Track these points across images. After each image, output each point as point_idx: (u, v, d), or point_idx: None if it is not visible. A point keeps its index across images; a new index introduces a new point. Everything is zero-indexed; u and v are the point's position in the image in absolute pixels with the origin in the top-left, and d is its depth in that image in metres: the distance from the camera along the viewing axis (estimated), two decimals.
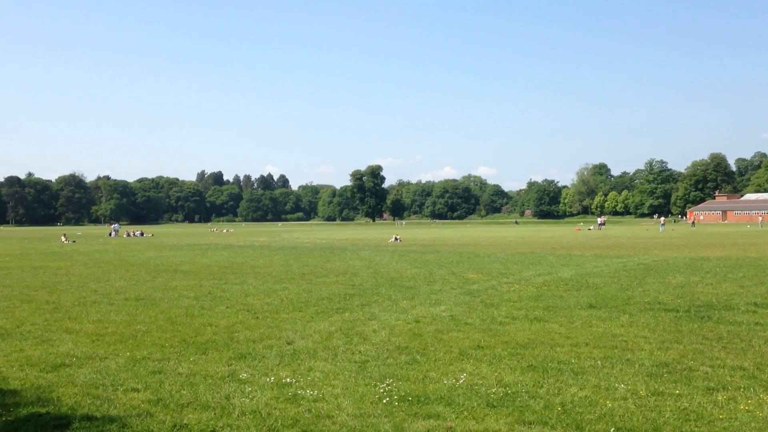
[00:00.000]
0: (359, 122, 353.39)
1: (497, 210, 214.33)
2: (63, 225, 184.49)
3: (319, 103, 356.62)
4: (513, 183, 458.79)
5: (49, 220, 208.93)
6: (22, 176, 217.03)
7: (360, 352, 8.29)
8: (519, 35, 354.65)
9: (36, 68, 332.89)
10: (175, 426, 5.37)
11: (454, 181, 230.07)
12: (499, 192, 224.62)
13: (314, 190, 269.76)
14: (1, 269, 22.12)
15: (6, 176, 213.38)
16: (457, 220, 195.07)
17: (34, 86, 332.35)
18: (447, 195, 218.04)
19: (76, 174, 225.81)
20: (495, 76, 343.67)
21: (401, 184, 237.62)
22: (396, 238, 45.21)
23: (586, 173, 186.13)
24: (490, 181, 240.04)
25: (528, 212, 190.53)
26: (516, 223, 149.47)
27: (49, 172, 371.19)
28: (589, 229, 76.21)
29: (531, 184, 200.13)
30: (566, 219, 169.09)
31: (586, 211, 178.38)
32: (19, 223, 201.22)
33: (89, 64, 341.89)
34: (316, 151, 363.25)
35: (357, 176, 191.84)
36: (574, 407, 5.97)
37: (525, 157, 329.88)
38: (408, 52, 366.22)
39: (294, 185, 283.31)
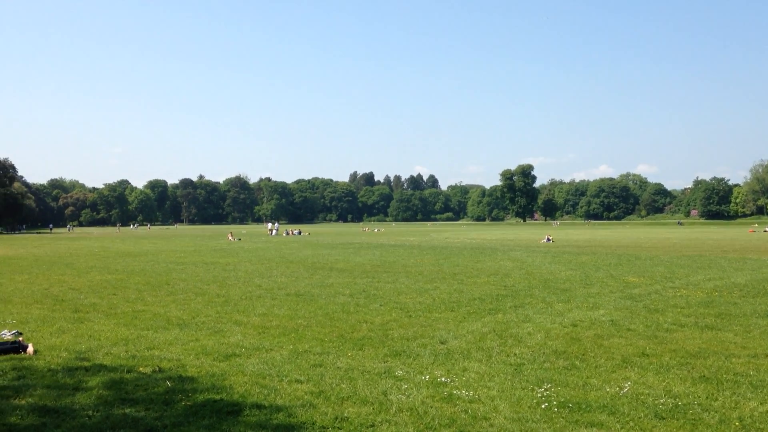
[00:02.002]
0: (509, 121, 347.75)
1: (659, 210, 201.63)
2: (229, 224, 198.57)
3: (468, 103, 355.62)
4: (676, 181, 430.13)
5: (218, 219, 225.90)
6: (195, 178, 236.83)
7: (515, 354, 8.13)
8: (686, 18, 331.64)
9: (205, 78, 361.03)
10: (336, 418, 5.56)
11: (611, 179, 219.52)
12: (660, 191, 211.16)
13: (463, 190, 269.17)
14: (178, 264, 24.16)
15: (180, 179, 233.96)
16: (614, 221, 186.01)
17: (206, 95, 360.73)
18: (603, 194, 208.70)
19: (241, 176, 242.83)
20: (648, 68, 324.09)
21: (553, 184, 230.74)
22: (548, 239, 43.98)
23: (761, 170, 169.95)
24: (651, 180, 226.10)
25: (694, 212, 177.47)
26: (679, 224, 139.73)
27: (218, 174, 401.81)
28: (765, 231, 69.56)
29: (697, 183, 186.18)
30: (738, 220, 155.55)
31: (761, 211, 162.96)
32: (191, 221, 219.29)
33: (252, 74, 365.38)
34: (465, 151, 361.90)
35: (507, 176, 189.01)
36: (754, 423, 5.46)
37: (690, 154, 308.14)
38: (558, 46, 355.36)
39: (443, 185, 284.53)
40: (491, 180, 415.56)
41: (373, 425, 5.44)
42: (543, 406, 5.93)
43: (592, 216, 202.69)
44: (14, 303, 13.20)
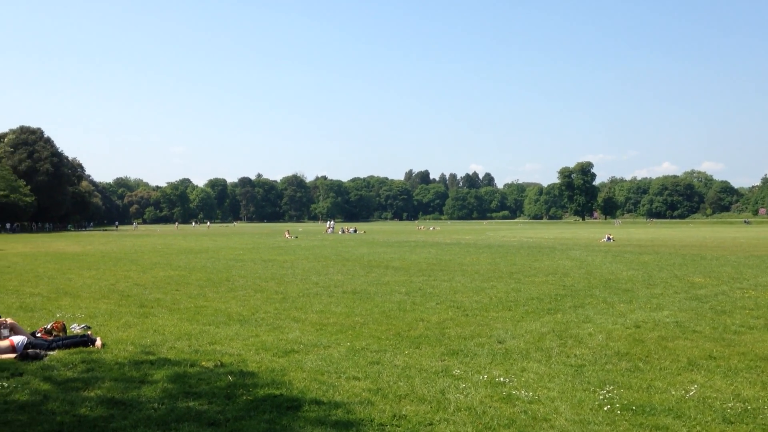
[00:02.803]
0: (568, 119, 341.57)
1: (725, 209, 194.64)
2: (286, 222, 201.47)
3: (525, 101, 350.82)
4: (744, 179, 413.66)
5: (275, 216, 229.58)
6: (253, 177, 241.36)
7: (575, 355, 7.97)
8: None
9: (263, 79, 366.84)
10: (394, 416, 5.56)
11: (674, 177, 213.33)
12: (727, 189, 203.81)
13: (520, 188, 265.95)
14: (237, 261, 24.65)
15: (239, 177, 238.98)
16: (677, 220, 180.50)
17: (263, 96, 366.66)
18: (666, 192, 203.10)
19: (298, 175, 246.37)
20: (713, 62, 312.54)
21: (613, 181, 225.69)
22: (609, 238, 42.99)
23: None
24: (717, 177, 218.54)
25: (762, 211, 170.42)
26: (746, 222, 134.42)
27: (276, 173, 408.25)
28: None
29: (766, 180, 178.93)
30: None
31: None
32: (249, 219, 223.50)
33: (309, 74, 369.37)
34: (522, 148, 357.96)
35: (565, 173, 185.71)
36: None
37: (759, 150, 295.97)
38: (619, 41, 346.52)
39: (499, 183, 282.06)
40: (549, 178, 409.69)
41: (431, 424, 5.42)
42: (605, 409, 5.79)
43: (654, 215, 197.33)
44: (83, 298, 13.71)
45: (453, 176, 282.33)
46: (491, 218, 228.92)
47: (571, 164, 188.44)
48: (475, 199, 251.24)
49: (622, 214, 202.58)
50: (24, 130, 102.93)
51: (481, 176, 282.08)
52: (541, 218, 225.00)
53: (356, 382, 6.70)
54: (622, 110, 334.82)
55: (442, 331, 9.56)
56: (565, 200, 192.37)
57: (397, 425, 5.36)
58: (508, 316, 10.99)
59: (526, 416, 5.63)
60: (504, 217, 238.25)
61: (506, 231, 73.92)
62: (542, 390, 6.43)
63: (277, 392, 6.29)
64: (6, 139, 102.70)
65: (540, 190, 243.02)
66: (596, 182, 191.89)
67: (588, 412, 5.72)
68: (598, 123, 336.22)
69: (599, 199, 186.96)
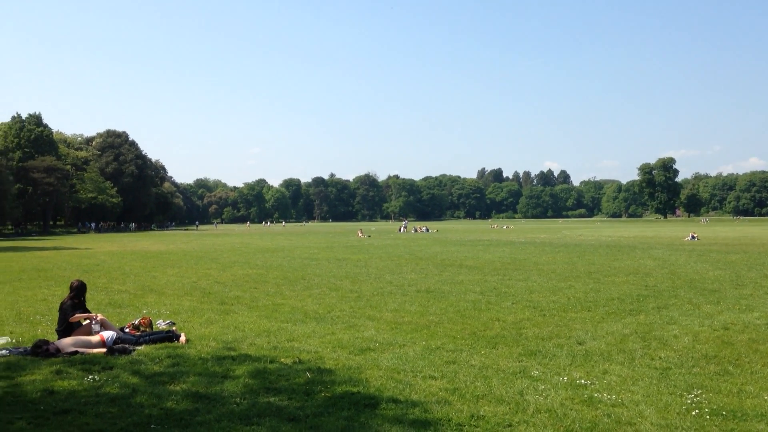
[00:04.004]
0: (647, 113, 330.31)
1: None
2: (359, 221, 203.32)
3: (603, 95, 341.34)
4: None
5: (348, 216, 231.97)
6: (326, 177, 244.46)
7: (660, 358, 7.68)
8: None
9: (335, 80, 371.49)
10: (472, 416, 5.50)
11: (762, 173, 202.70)
12: None
13: (597, 186, 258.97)
14: (312, 260, 25.05)
15: (313, 177, 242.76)
16: (766, 217, 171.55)
17: (336, 97, 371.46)
18: (754, 189, 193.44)
19: (370, 174, 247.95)
20: None
21: (697, 178, 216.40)
22: (693, 236, 41.30)
23: None
24: None
25: None
26: None
27: (348, 172, 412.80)
28: None
29: None
30: None
31: None
32: (323, 218, 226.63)
33: (380, 75, 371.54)
34: (599, 144, 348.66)
35: (646, 170, 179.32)
36: None
37: None
38: (703, 31, 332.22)
39: (575, 181, 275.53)
40: (628, 175, 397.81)
41: (510, 425, 5.33)
42: (693, 413, 5.55)
43: (741, 212, 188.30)
44: (167, 295, 14.24)
45: (527, 174, 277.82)
46: (567, 217, 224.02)
47: (652, 160, 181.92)
48: (550, 197, 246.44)
49: (707, 212, 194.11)
50: (110, 134, 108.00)
51: (556, 174, 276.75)
52: (619, 216, 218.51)
53: (432, 381, 6.68)
54: (705, 104, 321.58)
55: (518, 332, 9.41)
56: (646, 197, 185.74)
57: (475, 425, 5.31)
58: (588, 317, 10.71)
59: (609, 420, 5.47)
60: (580, 216, 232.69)
61: (583, 229, 72.12)
62: (626, 393, 6.23)
63: (355, 389, 6.35)
64: (94, 143, 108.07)
65: (619, 187, 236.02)
66: (679, 178, 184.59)
67: (675, 417, 5.50)
68: (679, 117, 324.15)
69: (682, 197, 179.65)
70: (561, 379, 6.72)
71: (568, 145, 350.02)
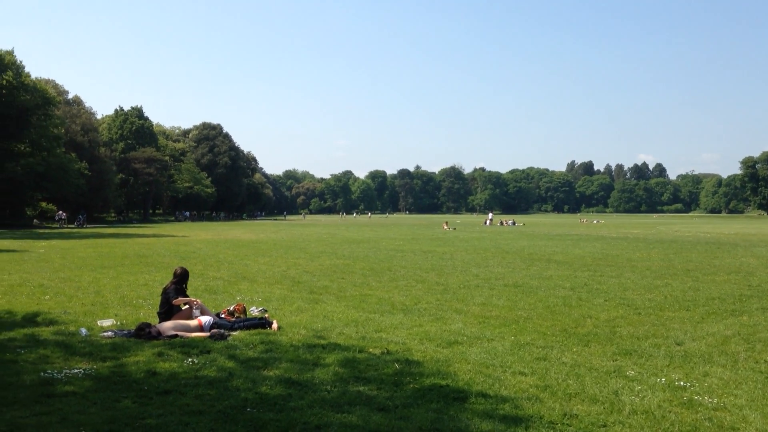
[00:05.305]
0: (750, 103, 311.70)
1: None
2: (444, 213, 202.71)
3: (702, 84, 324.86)
4: None
5: (432, 208, 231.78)
6: (411, 169, 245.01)
7: (766, 361, 7.27)
8: None
9: (420, 72, 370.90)
10: (565, 415, 5.38)
11: None
12: None
13: (695, 180, 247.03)
14: (397, 252, 25.18)
15: (398, 169, 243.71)
16: None
17: (420, 89, 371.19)
18: None
19: (456, 166, 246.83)
20: None
21: None
22: None
23: None
24: None
25: None
26: None
27: (433, 164, 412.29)
28: None
29: None
30: None
31: None
32: (408, 210, 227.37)
33: (465, 67, 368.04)
34: (698, 137, 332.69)
35: (749, 164, 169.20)
36: None
37: None
38: None
39: (671, 174, 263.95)
40: (729, 168, 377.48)
41: (604, 425, 5.18)
42: None
43: None
44: (259, 283, 14.68)
45: (619, 167, 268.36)
46: (662, 212, 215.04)
47: (756, 153, 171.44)
48: (644, 191, 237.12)
49: None
50: (206, 126, 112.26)
51: (651, 167, 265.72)
52: (719, 212, 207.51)
53: (522, 377, 6.58)
54: None
55: (612, 330, 9.12)
56: (748, 193, 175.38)
57: (568, 424, 5.18)
58: (686, 317, 10.25)
59: (711, 424, 5.22)
60: (676, 211, 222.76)
61: (679, 225, 68.98)
62: (728, 397, 5.93)
63: (443, 382, 6.33)
64: (190, 135, 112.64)
65: (719, 181, 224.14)
66: None
67: None
68: None
69: None
70: (658, 380, 6.47)
71: (665, 137, 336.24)
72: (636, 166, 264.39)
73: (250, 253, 24.06)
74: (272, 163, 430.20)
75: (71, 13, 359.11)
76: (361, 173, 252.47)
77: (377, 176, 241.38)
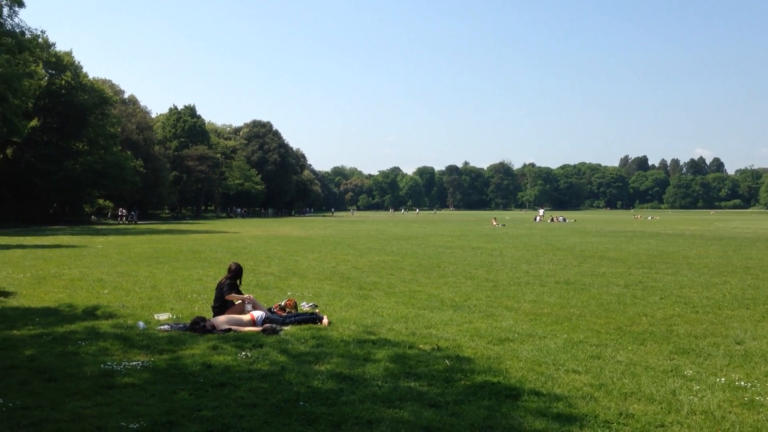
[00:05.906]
0: None
1: None
2: (492, 209, 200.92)
3: (760, 77, 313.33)
4: None
5: (481, 204, 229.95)
6: (460, 165, 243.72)
7: None
8: None
9: (468, 69, 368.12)
10: (620, 414, 5.27)
11: None
12: None
13: (755, 175, 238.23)
14: (446, 248, 25.08)
15: (447, 165, 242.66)
16: None
17: (468, 85, 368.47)
18: None
19: (505, 162, 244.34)
20: None
21: None
22: None
23: None
24: None
25: None
26: None
27: (482, 160, 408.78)
28: None
29: None
30: None
31: None
32: (456, 207, 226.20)
33: (514, 61, 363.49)
34: (758, 130, 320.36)
35: None
36: None
37: None
38: None
39: (730, 169, 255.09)
40: None
41: (662, 425, 5.05)
42: None
43: None
44: (309, 278, 14.83)
45: (675, 162, 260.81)
46: (719, 208, 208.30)
47: None
48: (701, 187, 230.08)
49: None
50: (256, 124, 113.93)
51: (708, 161, 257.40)
52: None
53: (576, 375, 6.47)
54: None
55: (668, 328, 8.89)
56: None
57: (624, 424, 5.08)
58: (746, 315, 9.92)
59: None
60: (735, 207, 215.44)
61: (738, 221, 66.79)
62: None
63: (495, 379, 6.28)
64: (241, 132, 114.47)
65: None
66: None
67: None
68: None
69: None
70: (718, 379, 6.29)
71: (723, 130, 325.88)
72: (692, 160, 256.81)
73: (299, 250, 24.32)
74: (321, 159, 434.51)
75: (128, 15, 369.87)
76: (409, 169, 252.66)
77: (425, 172, 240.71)
